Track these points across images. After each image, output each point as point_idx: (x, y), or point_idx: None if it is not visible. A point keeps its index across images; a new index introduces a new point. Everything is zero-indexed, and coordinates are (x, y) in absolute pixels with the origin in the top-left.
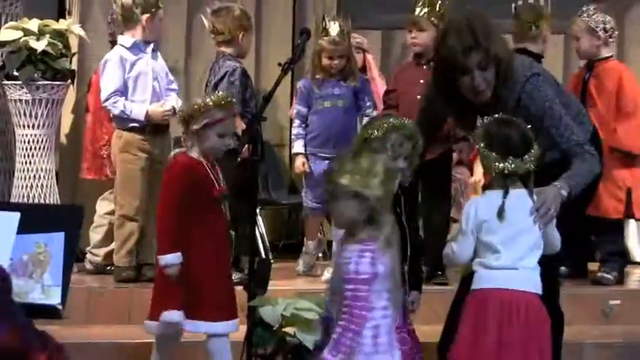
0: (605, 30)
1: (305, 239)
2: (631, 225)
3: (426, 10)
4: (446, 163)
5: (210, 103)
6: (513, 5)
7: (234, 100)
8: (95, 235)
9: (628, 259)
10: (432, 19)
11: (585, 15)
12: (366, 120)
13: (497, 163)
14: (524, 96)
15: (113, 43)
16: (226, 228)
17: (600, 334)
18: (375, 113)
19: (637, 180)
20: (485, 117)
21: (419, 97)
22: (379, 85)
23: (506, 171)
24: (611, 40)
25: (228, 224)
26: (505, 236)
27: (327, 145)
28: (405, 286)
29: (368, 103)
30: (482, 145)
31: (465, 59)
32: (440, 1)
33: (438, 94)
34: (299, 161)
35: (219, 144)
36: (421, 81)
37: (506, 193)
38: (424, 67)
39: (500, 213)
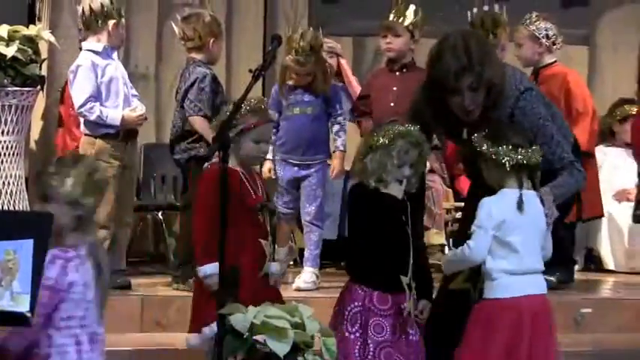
0: (547, 37)
1: (276, 246)
2: (603, 232)
3: (403, 16)
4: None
5: (244, 110)
6: (469, 13)
7: (264, 107)
8: None
9: (600, 267)
10: (408, 25)
11: (528, 22)
12: (337, 127)
13: (511, 155)
14: (518, 112)
15: None
16: (264, 238)
17: (571, 342)
18: (346, 119)
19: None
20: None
21: (392, 104)
22: (356, 89)
23: (521, 161)
24: (554, 46)
25: (267, 234)
26: (525, 236)
27: (296, 152)
28: (411, 294)
29: (339, 111)
30: (488, 144)
31: (457, 80)
32: (414, 8)
33: (428, 107)
34: (265, 167)
35: (256, 150)
36: (394, 88)
37: (521, 186)
38: (397, 73)
39: (520, 205)
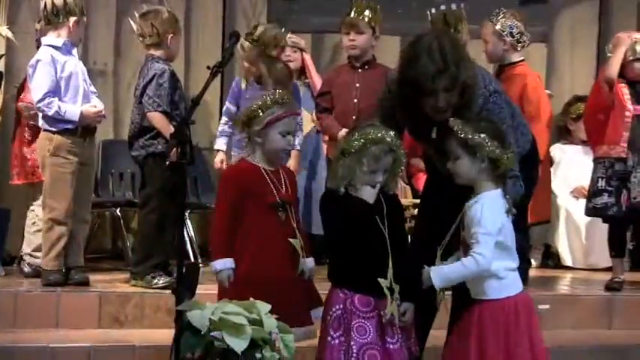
0: (511, 35)
1: None
2: (560, 229)
3: (366, 13)
4: None
5: (269, 101)
6: (429, 12)
7: (288, 98)
8: (35, 238)
9: (558, 264)
10: (369, 22)
11: (494, 19)
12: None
13: (508, 154)
14: (485, 114)
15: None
16: (285, 235)
17: None
18: (303, 118)
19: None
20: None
21: (355, 100)
22: (318, 85)
23: (498, 156)
24: (519, 45)
25: (293, 231)
26: (510, 233)
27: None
28: (392, 298)
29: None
30: (471, 131)
31: (433, 82)
32: (371, 4)
33: (398, 106)
34: (217, 158)
35: (283, 143)
36: (357, 84)
37: (497, 186)
38: (359, 70)
39: (510, 210)
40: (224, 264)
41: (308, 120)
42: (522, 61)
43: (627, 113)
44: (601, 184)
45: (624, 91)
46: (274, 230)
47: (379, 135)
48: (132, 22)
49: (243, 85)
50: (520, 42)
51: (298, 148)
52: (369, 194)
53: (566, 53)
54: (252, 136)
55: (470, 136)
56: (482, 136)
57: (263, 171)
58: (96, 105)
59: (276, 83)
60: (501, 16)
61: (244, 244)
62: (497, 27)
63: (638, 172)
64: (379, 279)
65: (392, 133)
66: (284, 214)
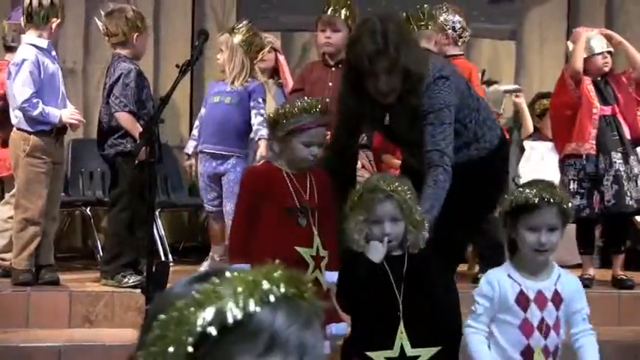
0: (454, 29)
1: (211, 245)
2: None
3: (342, 11)
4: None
5: (297, 109)
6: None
7: (320, 108)
8: (1, 240)
9: None
10: (346, 19)
11: (438, 13)
12: (260, 119)
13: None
14: (426, 95)
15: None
16: (304, 243)
17: None
18: (264, 111)
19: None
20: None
21: (327, 99)
22: (291, 85)
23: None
24: (460, 39)
25: (309, 237)
26: None
27: (210, 141)
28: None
29: (262, 104)
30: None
31: (371, 63)
32: (353, 4)
33: (350, 94)
34: (186, 162)
35: (306, 153)
36: (330, 83)
37: None
38: (333, 68)
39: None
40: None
41: None
42: (461, 55)
43: (594, 110)
44: (573, 186)
45: (590, 88)
46: (290, 236)
47: (373, 181)
48: (98, 22)
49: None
50: (461, 37)
51: (266, 136)
52: (375, 251)
53: (535, 51)
54: (274, 139)
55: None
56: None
57: (285, 174)
58: (75, 112)
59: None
60: (444, 10)
61: (257, 248)
62: (440, 21)
63: (610, 175)
64: (368, 353)
65: (390, 177)
66: (305, 221)
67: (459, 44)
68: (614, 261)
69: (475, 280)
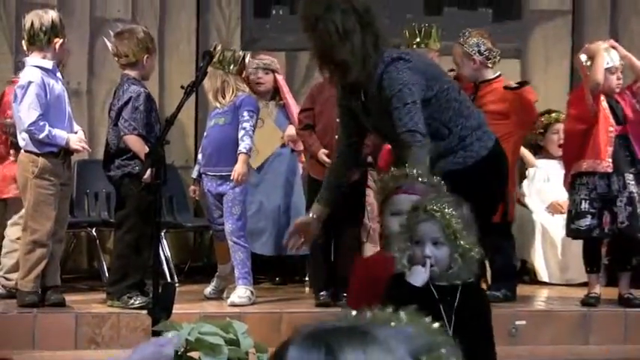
0: (479, 53)
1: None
2: (537, 244)
3: None
4: (360, 187)
5: (387, 179)
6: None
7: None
8: (8, 260)
9: (534, 280)
10: None
11: (462, 40)
12: (242, 132)
13: None
14: (385, 77)
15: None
16: None
17: (505, 354)
18: (253, 126)
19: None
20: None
21: (338, 119)
22: (292, 105)
23: None
24: (489, 61)
25: None
26: None
27: (209, 163)
28: None
29: (245, 117)
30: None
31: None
32: None
33: (338, 88)
34: (190, 188)
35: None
36: None
37: None
38: None
39: None
40: None
41: (277, 137)
42: (499, 76)
43: (611, 128)
44: (584, 205)
45: (604, 105)
46: None
47: (420, 200)
48: (107, 42)
49: None
50: (490, 58)
51: (244, 150)
52: (416, 274)
53: (540, 69)
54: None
55: None
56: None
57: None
58: (81, 137)
59: None
60: (467, 36)
61: None
62: (465, 48)
63: (624, 197)
64: None
65: (440, 198)
66: None
67: (490, 66)
68: (620, 279)
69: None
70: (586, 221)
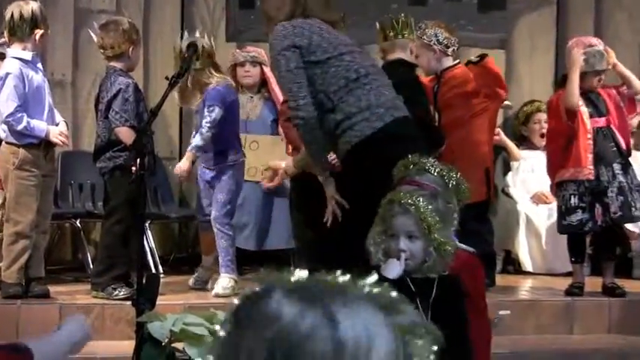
0: (438, 42)
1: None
2: (520, 234)
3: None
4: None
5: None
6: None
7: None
8: None
9: (519, 270)
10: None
11: (419, 32)
12: (205, 125)
13: None
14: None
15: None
16: None
17: None
18: (208, 123)
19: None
20: None
21: None
22: (280, 98)
23: None
24: (448, 49)
25: None
26: None
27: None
28: None
29: (206, 114)
30: None
31: None
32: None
33: None
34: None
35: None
36: None
37: None
38: None
39: None
40: None
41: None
42: (459, 63)
43: (589, 135)
44: (574, 201)
45: (583, 110)
46: None
47: (395, 193)
48: (92, 34)
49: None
50: (449, 47)
51: (190, 148)
52: (390, 267)
53: (525, 60)
54: None
55: None
56: None
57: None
58: (62, 130)
59: None
60: (424, 28)
61: None
62: (424, 39)
63: (614, 187)
64: None
65: (416, 191)
66: None
67: (450, 54)
68: (604, 269)
69: None
70: (577, 216)
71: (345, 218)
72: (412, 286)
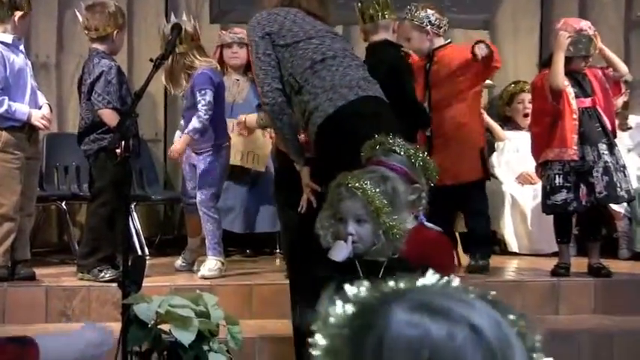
0: (431, 23)
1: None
2: (506, 215)
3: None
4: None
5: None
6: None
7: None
8: None
9: (504, 250)
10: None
11: (409, 15)
12: (202, 109)
13: None
14: None
15: None
16: None
17: None
18: (205, 107)
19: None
20: None
21: None
22: None
23: None
24: (441, 29)
25: None
26: None
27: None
28: None
29: (198, 98)
30: None
31: None
32: None
33: None
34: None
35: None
36: None
37: None
38: None
39: None
40: None
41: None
42: (449, 43)
43: (574, 116)
44: (559, 180)
45: (569, 90)
46: None
47: (343, 176)
48: (77, 14)
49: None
50: (441, 27)
51: (186, 132)
52: (337, 250)
53: (509, 41)
54: None
55: None
56: None
57: None
58: (44, 114)
59: None
60: (414, 10)
61: None
62: (416, 22)
63: (599, 167)
64: None
65: (364, 174)
66: None
67: (441, 34)
68: (590, 249)
69: (471, 271)
70: (562, 195)
71: (320, 200)
72: (360, 269)
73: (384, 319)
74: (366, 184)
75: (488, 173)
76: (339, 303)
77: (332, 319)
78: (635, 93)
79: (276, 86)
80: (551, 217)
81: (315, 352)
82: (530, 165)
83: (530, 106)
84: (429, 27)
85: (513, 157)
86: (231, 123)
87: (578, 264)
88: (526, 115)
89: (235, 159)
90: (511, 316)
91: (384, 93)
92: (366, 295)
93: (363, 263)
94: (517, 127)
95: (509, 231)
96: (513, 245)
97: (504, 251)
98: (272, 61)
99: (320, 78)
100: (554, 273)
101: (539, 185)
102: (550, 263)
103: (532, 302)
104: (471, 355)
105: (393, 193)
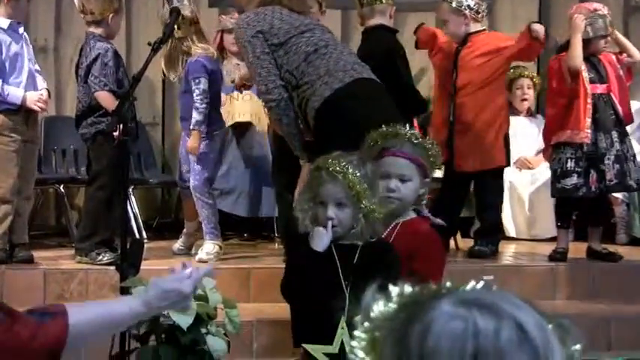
0: (469, 8)
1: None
2: (504, 200)
3: None
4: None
5: (376, 135)
6: None
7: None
8: None
9: (502, 235)
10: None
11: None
12: (197, 99)
13: None
14: None
15: None
16: None
17: None
18: (200, 96)
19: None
20: None
21: None
22: None
23: None
24: (479, 15)
25: None
26: None
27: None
28: None
29: (193, 87)
30: None
31: None
32: None
33: None
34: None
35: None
36: None
37: None
38: None
39: None
40: None
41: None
42: (484, 30)
43: (589, 100)
44: (570, 164)
45: (584, 75)
46: None
47: (323, 159)
48: None
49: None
50: (479, 12)
51: (191, 127)
52: (317, 237)
53: (508, 28)
54: None
55: None
56: None
57: None
58: (42, 94)
59: None
60: None
61: None
62: (454, 5)
63: (611, 155)
64: (306, 346)
65: (344, 157)
66: None
67: (479, 20)
68: (591, 234)
69: (471, 255)
70: (572, 180)
71: None
72: (335, 253)
73: (431, 310)
74: (346, 167)
75: (509, 161)
76: (381, 301)
77: (375, 314)
78: (634, 79)
79: (280, 83)
80: (549, 202)
81: (356, 345)
82: (528, 150)
83: (528, 91)
84: (467, 11)
85: (511, 142)
86: (232, 96)
87: (576, 249)
88: (524, 100)
89: (244, 117)
90: (553, 323)
91: (379, 77)
92: (412, 292)
93: (338, 247)
94: (515, 112)
95: (506, 216)
96: (511, 230)
97: (502, 236)
98: (271, 60)
99: (314, 67)
100: (552, 258)
101: (536, 170)
102: (548, 248)
103: (529, 287)
104: (516, 352)
105: (372, 176)
